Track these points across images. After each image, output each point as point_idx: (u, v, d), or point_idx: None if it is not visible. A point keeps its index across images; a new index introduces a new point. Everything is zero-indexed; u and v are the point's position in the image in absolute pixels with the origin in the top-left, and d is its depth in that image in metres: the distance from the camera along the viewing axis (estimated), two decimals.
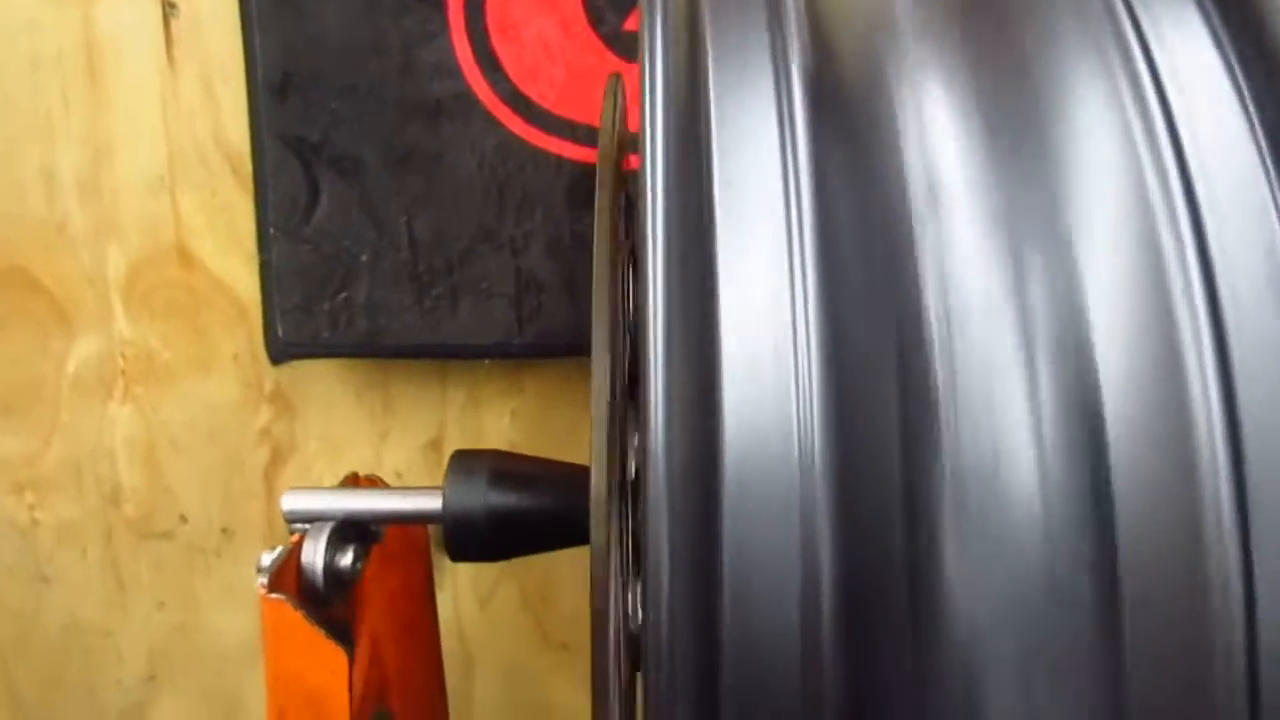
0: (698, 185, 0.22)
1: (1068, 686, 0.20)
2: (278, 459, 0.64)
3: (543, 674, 0.70)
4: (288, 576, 0.31)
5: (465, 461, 0.33)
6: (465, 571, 0.66)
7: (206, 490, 0.65)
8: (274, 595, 0.30)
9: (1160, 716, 0.19)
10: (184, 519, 0.65)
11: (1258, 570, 0.20)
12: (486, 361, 0.59)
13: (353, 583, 0.33)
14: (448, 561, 0.64)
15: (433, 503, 0.33)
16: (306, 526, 0.33)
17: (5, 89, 0.58)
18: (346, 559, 0.32)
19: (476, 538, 0.33)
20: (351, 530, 0.33)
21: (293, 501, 0.33)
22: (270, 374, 0.63)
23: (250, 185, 0.58)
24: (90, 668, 0.68)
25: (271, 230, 0.56)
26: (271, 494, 0.65)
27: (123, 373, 0.63)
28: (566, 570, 0.68)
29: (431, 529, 0.42)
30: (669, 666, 0.20)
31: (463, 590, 0.66)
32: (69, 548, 0.66)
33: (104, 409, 0.63)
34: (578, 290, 0.58)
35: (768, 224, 0.21)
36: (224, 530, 0.65)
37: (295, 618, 0.30)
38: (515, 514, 0.33)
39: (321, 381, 0.62)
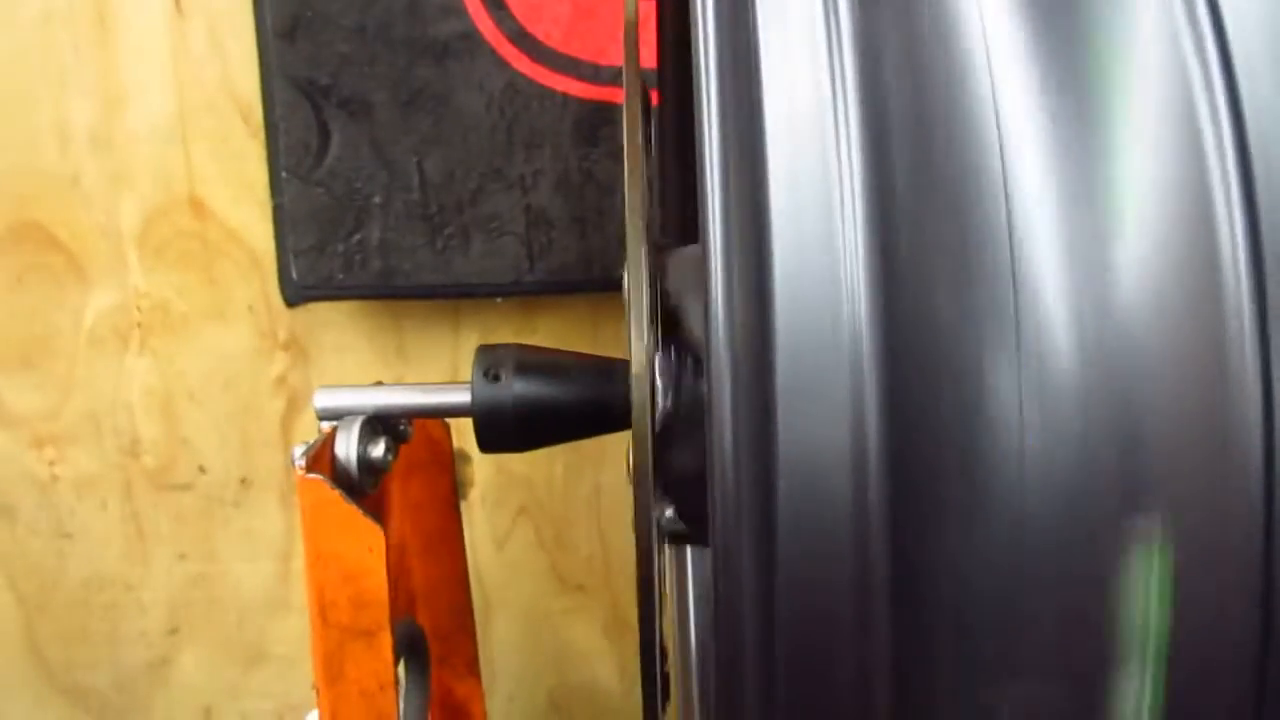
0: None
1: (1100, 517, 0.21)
2: (294, 407, 0.65)
3: (560, 616, 0.71)
4: (322, 462, 0.32)
5: (491, 354, 0.34)
6: (480, 514, 0.67)
7: (224, 440, 0.65)
8: (311, 475, 0.30)
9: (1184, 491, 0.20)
10: (202, 470, 0.66)
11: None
12: (499, 300, 0.60)
13: (384, 472, 0.33)
14: (462, 505, 0.65)
15: (461, 396, 0.34)
16: (338, 424, 0.34)
17: (17, 42, 0.58)
18: (378, 450, 0.33)
19: (505, 429, 0.34)
20: (381, 425, 0.34)
21: (325, 399, 0.34)
22: (284, 323, 0.63)
23: (261, 133, 0.59)
24: (113, 621, 0.69)
25: (283, 174, 0.57)
26: (288, 443, 0.66)
27: (139, 325, 0.63)
28: (581, 513, 0.68)
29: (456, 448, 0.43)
30: (734, 481, 0.21)
31: (479, 533, 0.67)
32: (89, 501, 0.66)
33: (121, 361, 0.64)
34: (587, 226, 0.58)
35: (810, 46, 0.21)
36: (242, 480, 0.66)
37: (333, 496, 0.30)
38: (543, 403, 0.33)
39: (335, 328, 0.63)
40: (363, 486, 0.33)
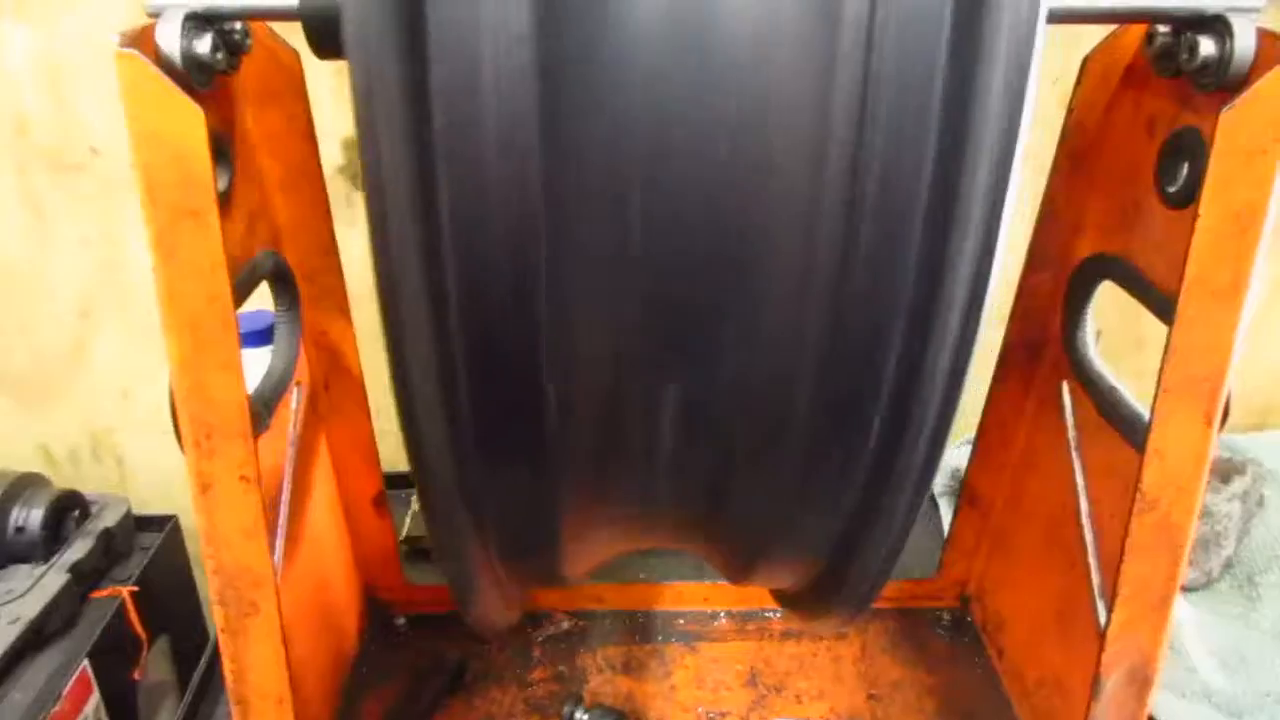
0: None
1: None
2: None
3: None
4: (145, 46, 0.31)
5: None
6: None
7: (116, 120, 0.64)
8: (127, 50, 0.30)
9: None
10: (95, 151, 0.65)
11: None
12: None
13: (214, 73, 0.33)
14: (359, 199, 0.65)
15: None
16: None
17: None
18: (204, 46, 0.33)
19: (334, 30, 0.33)
20: (209, 25, 0.34)
21: None
22: None
23: None
24: (23, 306, 0.70)
25: None
26: None
27: None
28: None
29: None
30: None
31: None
32: None
33: None
34: None
35: None
36: None
37: (152, 74, 0.31)
38: None
39: None
40: (191, 83, 0.33)
